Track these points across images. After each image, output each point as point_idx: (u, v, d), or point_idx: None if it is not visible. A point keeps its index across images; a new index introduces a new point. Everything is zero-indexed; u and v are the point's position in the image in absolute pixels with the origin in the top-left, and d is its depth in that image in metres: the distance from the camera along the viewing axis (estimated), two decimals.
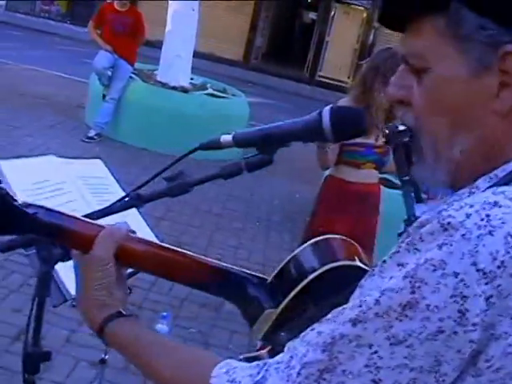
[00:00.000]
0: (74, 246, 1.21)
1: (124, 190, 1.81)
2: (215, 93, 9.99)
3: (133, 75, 9.27)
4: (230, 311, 4.56)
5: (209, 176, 1.25)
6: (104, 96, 8.88)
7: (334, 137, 1.15)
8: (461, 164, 0.96)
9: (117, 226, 1.23)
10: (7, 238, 1.34)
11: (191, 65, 9.81)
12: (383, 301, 0.84)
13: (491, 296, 0.80)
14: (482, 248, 0.81)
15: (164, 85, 9.39)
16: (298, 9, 25.10)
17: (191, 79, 10.00)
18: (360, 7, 20.72)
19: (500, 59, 0.91)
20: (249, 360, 1.03)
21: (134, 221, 1.64)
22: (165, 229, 5.65)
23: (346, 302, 0.91)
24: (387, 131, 1.05)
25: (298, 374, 0.88)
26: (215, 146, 1.24)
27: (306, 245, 1.20)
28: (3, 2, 21.47)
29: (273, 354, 1.07)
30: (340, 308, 0.90)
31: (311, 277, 1.13)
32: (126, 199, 1.31)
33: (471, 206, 0.84)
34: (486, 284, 0.80)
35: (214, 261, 1.23)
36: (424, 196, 1.11)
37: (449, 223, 0.83)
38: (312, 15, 24.25)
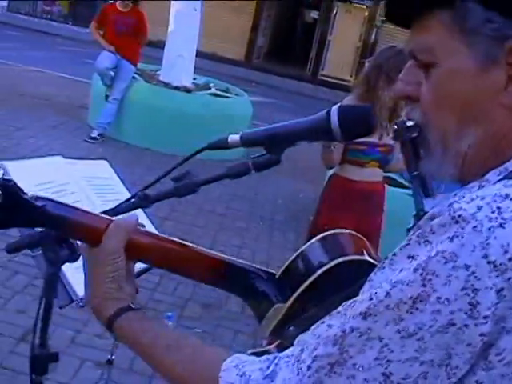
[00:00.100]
0: (83, 239, 1.21)
1: (128, 190, 1.81)
2: (218, 92, 9.99)
3: (135, 75, 9.27)
4: (234, 311, 4.56)
5: (216, 176, 1.25)
6: (107, 96, 8.88)
7: (343, 136, 1.14)
8: (469, 157, 0.96)
9: (126, 218, 1.22)
10: (13, 239, 1.34)
11: (194, 65, 9.81)
12: (394, 293, 0.84)
13: (502, 289, 0.80)
14: (494, 240, 0.81)
15: (167, 85, 9.39)
16: (299, 8, 25.08)
17: (194, 79, 10.00)
18: (362, 5, 20.70)
19: (507, 53, 0.91)
20: (257, 355, 1.03)
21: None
22: (169, 229, 5.65)
23: (356, 296, 0.91)
24: (396, 127, 1.05)
25: (309, 367, 0.89)
26: (223, 145, 1.24)
27: (314, 240, 1.20)
28: (5, 3, 21.48)
29: (281, 348, 1.07)
30: (350, 301, 0.90)
31: (320, 271, 1.13)
32: (133, 200, 1.31)
33: (482, 199, 0.84)
34: (497, 277, 0.80)
35: (223, 255, 1.23)
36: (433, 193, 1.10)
37: (460, 215, 0.83)
38: (314, 14, 24.23)
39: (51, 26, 20.24)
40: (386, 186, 4.37)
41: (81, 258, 1.26)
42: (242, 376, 0.95)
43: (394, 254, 0.89)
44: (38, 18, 21.59)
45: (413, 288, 0.83)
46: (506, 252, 0.80)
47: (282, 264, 1.22)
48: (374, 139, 3.85)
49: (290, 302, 1.15)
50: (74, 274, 1.49)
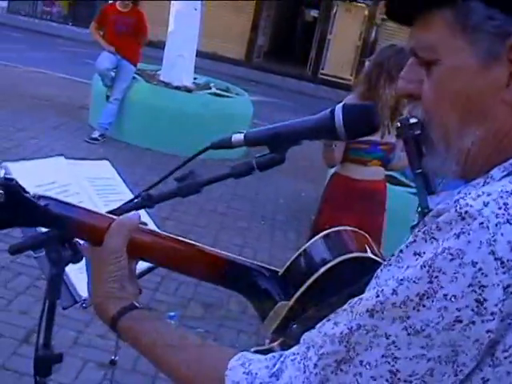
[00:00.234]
0: (85, 238, 1.21)
1: (130, 190, 1.81)
2: (218, 92, 9.99)
3: (136, 75, 9.27)
4: (236, 311, 4.56)
5: (220, 175, 1.24)
6: (107, 97, 8.88)
7: (347, 134, 1.14)
8: (472, 154, 0.96)
9: (128, 216, 1.22)
10: (15, 240, 1.34)
11: (194, 64, 9.81)
12: (400, 291, 0.84)
13: (509, 285, 0.80)
14: (500, 237, 0.80)
15: (167, 85, 9.39)
16: (299, 7, 25.07)
17: (194, 79, 10.00)
18: (361, 4, 20.70)
19: (509, 50, 0.91)
20: (261, 353, 1.03)
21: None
22: (170, 229, 5.60)
23: (359, 293, 0.91)
24: (399, 124, 1.05)
25: (315, 365, 0.89)
26: (226, 145, 1.23)
27: (317, 237, 1.19)
28: (5, 4, 21.48)
29: (284, 346, 1.07)
30: (356, 298, 0.90)
31: (323, 269, 1.13)
32: (137, 200, 1.31)
33: (489, 195, 0.84)
34: (504, 273, 0.80)
35: (225, 253, 1.22)
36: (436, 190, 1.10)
37: (466, 212, 0.83)
38: (314, 13, 24.21)
39: (51, 27, 20.24)
40: (387, 184, 4.37)
41: (84, 258, 1.26)
42: (248, 374, 0.94)
43: (401, 251, 0.88)
44: (38, 18, 21.60)
45: (419, 285, 0.83)
46: None
47: (283, 263, 1.21)
48: (376, 138, 3.85)
49: (293, 299, 1.15)
50: (77, 274, 1.49)
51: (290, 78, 19.45)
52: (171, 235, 1.23)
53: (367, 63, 4.20)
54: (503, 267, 0.80)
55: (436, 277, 0.82)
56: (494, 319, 0.80)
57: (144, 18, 9.05)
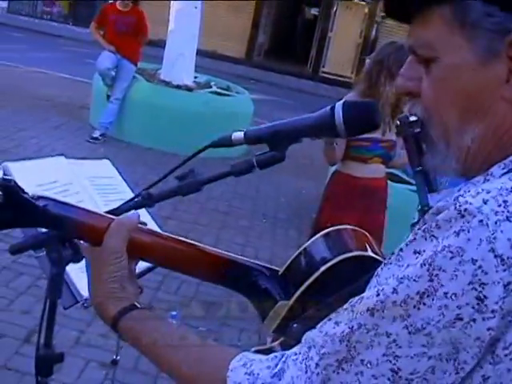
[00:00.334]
0: (85, 238, 1.20)
1: (131, 189, 1.80)
2: (219, 91, 9.98)
3: (136, 75, 9.26)
4: (238, 309, 4.55)
5: (220, 174, 1.24)
6: (108, 96, 8.88)
7: (347, 132, 1.14)
8: (472, 152, 0.95)
9: (128, 216, 1.22)
10: (16, 240, 1.34)
11: (195, 63, 9.80)
12: (401, 289, 0.84)
13: (510, 283, 0.80)
14: (500, 234, 0.80)
15: (168, 84, 9.39)
16: (299, 5, 25.06)
17: (195, 77, 9.99)
18: (362, 2, 20.69)
19: (508, 46, 0.91)
20: (261, 352, 1.03)
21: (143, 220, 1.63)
22: (172, 228, 5.65)
23: (360, 292, 0.91)
24: (398, 122, 1.05)
25: (317, 364, 0.89)
26: (226, 143, 1.23)
27: (317, 236, 1.19)
28: (5, 4, 21.49)
29: (285, 345, 1.07)
30: (357, 297, 0.90)
31: (324, 268, 1.13)
32: (137, 199, 1.31)
33: (488, 192, 0.84)
34: (505, 271, 0.80)
35: (225, 252, 1.22)
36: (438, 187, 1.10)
37: (466, 209, 0.82)
38: (314, 11, 24.21)
39: (52, 27, 20.24)
40: (388, 182, 4.37)
41: (84, 258, 1.25)
42: (250, 375, 0.94)
43: (401, 250, 0.88)
44: (39, 18, 21.60)
45: (420, 283, 0.83)
46: None
47: (285, 262, 1.21)
48: (376, 135, 3.85)
49: (293, 299, 1.15)
50: (78, 274, 1.48)
51: (291, 76, 19.44)
52: (171, 235, 1.23)
53: (368, 61, 4.19)
54: (503, 264, 0.80)
55: (436, 275, 0.82)
56: (494, 317, 0.80)
57: (144, 17, 9.05)
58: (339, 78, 19.50)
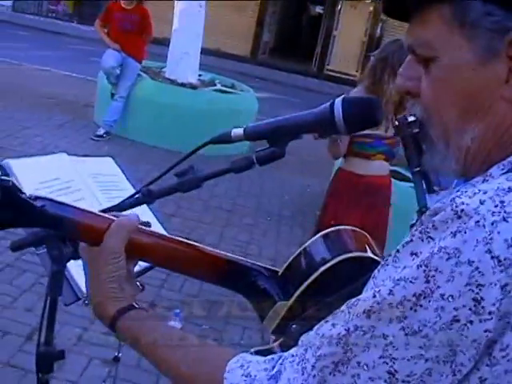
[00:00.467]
0: (83, 239, 1.20)
1: (135, 187, 1.80)
2: (224, 89, 9.98)
3: (141, 73, 9.27)
4: (241, 308, 4.55)
5: (220, 170, 1.23)
6: (112, 94, 8.89)
7: (347, 128, 1.13)
8: (472, 152, 0.95)
9: (128, 217, 1.21)
10: (18, 237, 1.34)
11: (199, 61, 9.80)
12: (397, 291, 0.83)
13: (507, 284, 0.79)
14: (497, 235, 0.79)
15: (172, 82, 9.39)
16: (304, 3, 25.04)
17: (199, 75, 9.99)
18: (366, 0, 20.65)
19: (507, 46, 0.90)
20: (260, 353, 1.02)
21: (144, 216, 1.63)
22: (176, 225, 5.66)
23: (359, 293, 0.90)
24: (397, 123, 1.04)
25: (313, 366, 0.88)
26: (226, 139, 1.23)
27: (316, 236, 1.19)
28: (10, 3, 21.52)
29: (284, 346, 1.07)
30: (354, 299, 0.89)
31: (323, 269, 1.12)
32: (137, 196, 1.30)
33: (485, 193, 0.83)
34: (502, 272, 0.79)
35: (224, 253, 1.22)
36: (436, 188, 1.09)
37: (462, 210, 0.82)
38: (319, 9, 24.20)
39: (57, 25, 20.26)
40: (392, 179, 4.36)
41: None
42: (247, 376, 0.94)
43: (397, 251, 0.88)
44: (44, 17, 21.63)
45: (416, 285, 0.82)
46: (509, 246, 0.79)
47: (289, 260, 1.21)
48: (380, 132, 3.85)
49: (292, 299, 1.14)
50: (79, 271, 1.48)
51: (296, 74, 19.42)
52: (171, 236, 1.23)
53: (372, 58, 4.19)
54: (500, 266, 0.79)
55: (433, 276, 0.81)
56: (491, 318, 0.80)
57: (148, 15, 9.05)
58: (344, 76, 19.47)
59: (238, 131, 1.21)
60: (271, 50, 22.68)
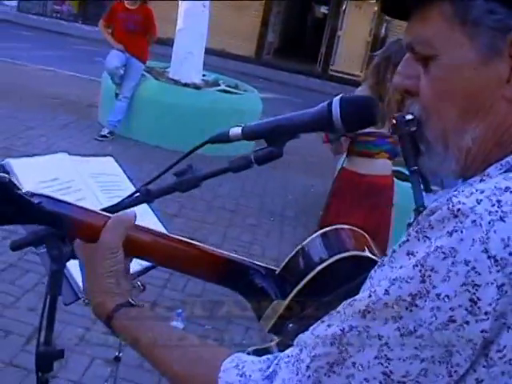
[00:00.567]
0: (79, 236, 1.20)
1: (135, 187, 1.80)
2: (227, 89, 9.97)
3: (145, 73, 9.27)
4: (244, 308, 4.55)
5: (218, 170, 1.23)
6: (116, 95, 8.89)
7: (345, 127, 1.13)
8: (472, 152, 0.94)
9: (125, 214, 1.21)
10: (18, 236, 1.33)
11: (203, 61, 9.80)
12: (393, 291, 0.83)
13: (503, 284, 0.78)
14: (493, 234, 0.79)
15: (176, 82, 9.39)
16: (309, 3, 25.03)
17: (203, 76, 9.99)
18: (371, 0, 20.63)
19: (509, 45, 0.90)
20: (258, 352, 1.02)
21: (145, 216, 1.63)
22: (179, 226, 5.65)
23: (356, 292, 0.90)
24: (394, 121, 1.03)
25: (308, 367, 0.88)
26: (224, 139, 1.23)
27: (314, 235, 1.19)
28: (15, 3, 21.56)
29: (281, 346, 1.06)
30: (349, 299, 0.89)
31: (319, 267, 1.12)
32: (136, 195, 1.30)
33: (482, 192, 0.82)
34: (498, 272, 0.78)
35: (221, 251, 1.21)
36: (436, 188, 1.09)
37: (459, 210, 0.81)
38: (323, 9, 24.19)
39: (61, 25, 20.29)
40: (395, 179, 4.36)
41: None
42: (241, 376, 0.94)
43: (394, 251, 0.87)
44: (48, 17, 21.66)
45: (412, 285, 0.82)
46: (506, 246, 0.79)
47: None
48: (383, 130, 3.85)
49: (289, 298, 1.14)
50: (78, 270, 1.48)
51: (300, 74, 19.40)
52: (168, 234, 1.23)
53: (376, 57, 4.19)
54: (497, 265, 0.78)
55: (428, 276, 0.81)
56: (488, 319, 0.79)
57: (152, 15, 9.05)
58: (348, 77, 19.44)
59: (236, 131, 1.21)
60: (276, 51, 22.67)
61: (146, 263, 1.62)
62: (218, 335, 4.29)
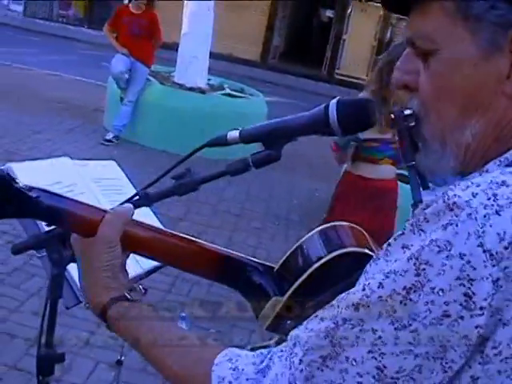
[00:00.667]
0: (77, 230, 1.19)
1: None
2: (232, 93, 9.97)
3: (150, 77, 9.28)
4: (248, 311, 4.54)
5: (216, 173, 1.23)
6: (122, 99, 8.90)
7: (342, 130, 1.12)
8: (472, 148, 0.93)
9: (122, 208, 1.21)
10: (19, 240, 1.34)
11: (209, 66, 9.81)
12: (387, 284, 0.82)
13: (498, 279, 0.78)
14: (489, 228, 0.78)
15: (181, 86, 9.40)
16: (315, 7, 25.03)
17: (208, 80, 9.99)
18: (377, 4, 20.60)
19: (510, 40, 0.89)
20: (256, 350, 1.02)
21: (146, 219, 1.63)
22: (184, 229, 5.61)
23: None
24: (393, 116, 1.02)
25: (300, 360, 0.87)
26: (222, 142, 1.23)
27: (312, 232, 1.18)
28: (21, 8, 21.64)
29: (281, 344, 1.06)
30: (344, 294, 0.88)
31: (317, 264, 1.11)
32: (135, 199, 1.30)
33: (478, 186, 0.81)
34: (493, 266, 0.77)
35: (221, 248, 1.21)
36: (432, 186, 1.08)
37: (454, 203, 0.80)
38: (329, 13, 24.19)
39: (67, 30, 20.36)
40: (399, 183, 4.35)
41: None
42: (234, 370, 0.93)
43: (389, 245, 0.87)
44: (54, 22, 21.74)
45: (406, 278, 0.81)
46: (502, 240, 0.78)
47: None
48: (387, 136, 3.84)
49: (287, 295, 1.13)
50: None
51: (306, 78, 19.41)
52: (166, 229, 1.23)
53: (380, 61, 4.18)
54: (492, 260, 0.77)
55: (423, 269, 0.80)
56: (483, 314, 0.78)
57: (157, 19, 9.06)
58: (354, 80, 19.44)
59: (234, 134, 1.21)
60: (281, 55, 22.69)
61: (147, 267, 1.62)
62: (223, 338, 4.28)
